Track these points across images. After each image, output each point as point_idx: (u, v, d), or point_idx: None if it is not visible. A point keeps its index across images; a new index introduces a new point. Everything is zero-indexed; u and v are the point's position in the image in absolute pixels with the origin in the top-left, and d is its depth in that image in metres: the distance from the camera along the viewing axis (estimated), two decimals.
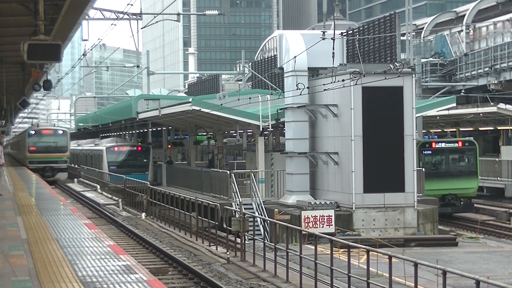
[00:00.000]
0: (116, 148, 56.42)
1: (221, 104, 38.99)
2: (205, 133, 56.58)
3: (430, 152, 44.32)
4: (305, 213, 30.57)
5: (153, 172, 53.85)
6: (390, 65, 30.31)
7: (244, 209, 26.89)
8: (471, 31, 71.43)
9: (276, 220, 26.88)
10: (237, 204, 32.68)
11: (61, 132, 63.12)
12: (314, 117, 34.78)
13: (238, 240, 25.86)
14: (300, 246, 21.35)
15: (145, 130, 64.45)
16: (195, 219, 30.85)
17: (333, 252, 19.74)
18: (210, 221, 29.63)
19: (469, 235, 34.71)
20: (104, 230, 26.45)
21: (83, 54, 38.43)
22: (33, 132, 62.19)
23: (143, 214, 38.95)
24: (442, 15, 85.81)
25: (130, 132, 69.21)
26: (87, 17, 29.54)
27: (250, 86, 66.27)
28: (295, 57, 31.83)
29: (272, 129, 40.53)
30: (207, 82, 69.23)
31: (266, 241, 24.63)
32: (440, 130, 61.03)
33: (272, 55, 66.00)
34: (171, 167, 51.97)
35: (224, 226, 27.89)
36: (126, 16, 32.23)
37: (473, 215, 43.74)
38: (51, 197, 29.38)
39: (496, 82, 60.95)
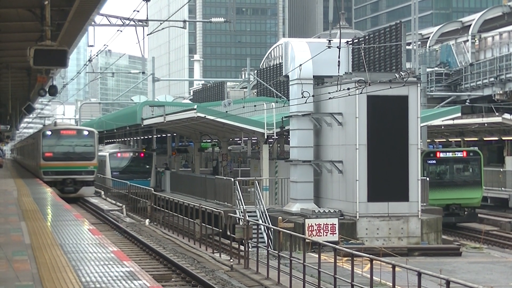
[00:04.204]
0: (119, 154, 56.42)
1: (226, 112, 39.02)
2: (209, 140, 56.62)
3: (434, 161, 44.31)
4: (309, 221, 30.57)
5: (155, 178, 53.89)
6: (396, 74, 30.28)
7: (248, 216, 26.88)
8: (477, 41, 71.47)
9: (280, 228, 26.88)
10: (241, 212, 32.68)
11: (86, 133, 49.00)
12: (318, 125, 34.79)
13: (242, 247, 25.85)
14: (304, 254, 21.32)
15: (150, 136, 64.52)
16: (198, 226, 30.84)
17: (337, 261, 19.71)
18: (213, 228, 29.62)
19: (473, 245, 34.68)
20: (108, 236, 26.44)
21: (89, 60, 38.39)
22: (49, 133, 48.32)
23: (147, 221, 38.93)
24: (448, 25, 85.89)
25: (135, 138, 69.26)
26: (93, 23, 29.62)
27: (255, 93, 66.34)
28: (300, 65, 31.86)
29: (276, 137, 40.55)
30: (212, 89, 69.35)
31: (269, 249, 24.63)
32: (444, 140, 60.95)
33: (278, 63, 66.14)
34: (175, 173, 52.01)
35: (228, 233, 27.88)
36: (132, 23, 32.28)
37: (477, 225, 43.69)
38: (55, 202, 29.39)
39: (501, 92, 60.94)
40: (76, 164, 47.30)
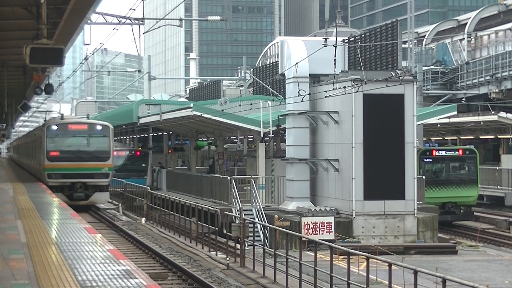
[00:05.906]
0: (115, 153, 56.26)
1: (222, 110, 39.01)
2: (206, 139, 56.61)
3: (430, 160, 44.32)
4: (305, 219, 30.55)
5: (151, 176, 53.83)
6: (392, 72, 30.31)
7: (244, 215, 26.89)
8: (473, 39, 71.58)
9: (276, 226, 26.88)
10: (237, 210, 32.67)
11: (99, 127, 41.27)
12: (315, 123, 34.78)
13: (238, 246, 25.86)
14: (300, 253, 21.33)
15: (146, 135, 64.49)
16: (195, 225, 30.85)
17: (333, 259, 19.72)
18: (210, 226, 29.62)
19: (469, 243, 34.71)
20: (104, 234, 26.42)
21: (85, 58, 38.27)
22: (55, 127, 40.62)
23: (143, 219, 38.93)
24: (444, 23, 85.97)
25: (131, 136, 69.23)
26: (89, 21, 29.59)
27: (251, 92, 66.34)
28: (296, 63, 31.84)
29: (273, 135, 40.52)
30: (209, 87, 69.31)
31: (266, 247, 24.63)
32: (440, 138, 61.04)
33: (274, 61, 66.17)
34: (171, 172, 51.99)
35: (224, 231, 27.88)
36: (128, 21, 32.26)
37: (473, 223, 43.75)
38: (51, 201, 29.36)
39: (497, 90, 61.00)
40: (88, 166, 40.26)
